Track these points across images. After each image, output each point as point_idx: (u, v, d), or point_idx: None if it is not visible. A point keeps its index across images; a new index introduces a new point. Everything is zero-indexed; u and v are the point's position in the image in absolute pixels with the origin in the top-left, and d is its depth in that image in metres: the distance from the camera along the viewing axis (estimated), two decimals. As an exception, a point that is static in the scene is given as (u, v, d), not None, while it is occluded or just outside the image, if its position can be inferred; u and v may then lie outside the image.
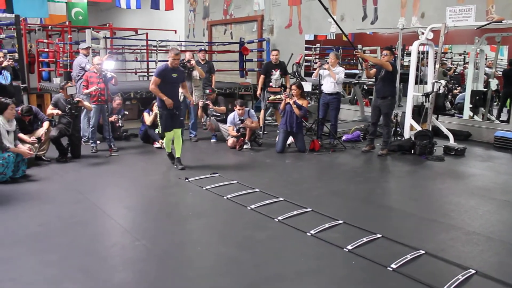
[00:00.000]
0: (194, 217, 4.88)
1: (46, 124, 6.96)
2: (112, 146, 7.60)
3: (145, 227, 4.56)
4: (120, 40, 15.70)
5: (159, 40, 13.11)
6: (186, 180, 6.01)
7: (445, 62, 12.97)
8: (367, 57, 7.64)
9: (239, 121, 7.99)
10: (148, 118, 8.25)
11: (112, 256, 3.93)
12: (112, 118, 8.28)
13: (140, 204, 5.32)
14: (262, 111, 9.61)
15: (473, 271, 3.52)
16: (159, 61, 12.91)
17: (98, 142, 7.87)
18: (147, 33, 15.44)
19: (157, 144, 8.09)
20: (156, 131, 8.21)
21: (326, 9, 7.77)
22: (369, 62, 7.85)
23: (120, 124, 8.59)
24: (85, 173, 6.50)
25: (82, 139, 7.83)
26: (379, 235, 4.19)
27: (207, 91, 8.73)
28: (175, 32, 16.48)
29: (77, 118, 7.27)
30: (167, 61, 6.50)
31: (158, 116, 6.64)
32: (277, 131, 8.62)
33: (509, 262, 3.81)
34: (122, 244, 4.17)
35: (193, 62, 8.47)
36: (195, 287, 3.39)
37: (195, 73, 8.54)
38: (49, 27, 14.62)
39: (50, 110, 7.13)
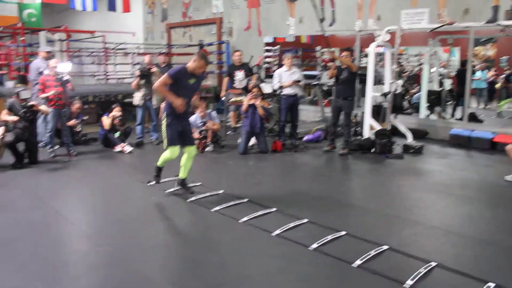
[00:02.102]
0: (157, 221, 4.82)
1: (0, 130, 6.71)
2: (71, 151, 7.41)
3: (107, 232, 4.46)
4: (76, 42, 15.33)
5: (117, 43, 12.88)
6: (148, 184, 5.92)
7: (401, 64, 13.34)
8: (339, 58, 7.70)
9: (201, 123, 7.95)
10: (106, 121, 8.07)
11: (73, 262, 3.85)
12: (71, 123, 8.08)
13: (102, 209, 5.20)
14: (231, 113, 9.66)
15: (434, 264, 3.62)
16: (117, 64, 12.70)
17: (56, 147, 7.65)
18: (104, 36, 15.12)
19: (117, 148, 7.93)
20: (116, 135, 8.08)
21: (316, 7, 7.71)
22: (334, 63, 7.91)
23: (79, 129, 8.39)
24: (43, 179, 6.31)
25: (40, 144, 7.59)
26: (343, 233, 4.25)
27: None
28: (133, 35, 16.19)
29: (34, 123, 7.05)
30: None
31: (165, 123, 5.27)
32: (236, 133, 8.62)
33: (466, 253, 3.97)
34: (83, 250, 4.08)
35: (154, 69, 8.33)
36: (161, 290, 3.36)
37: (154, 77, 8.39)
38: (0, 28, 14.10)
39: (5, 115, 6.88)
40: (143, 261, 3.80)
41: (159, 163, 5.55)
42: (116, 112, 8.16)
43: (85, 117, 8.74)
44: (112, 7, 13.64)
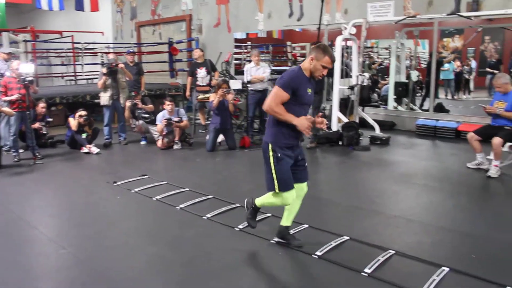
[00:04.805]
0: (121, 221, 4.79)
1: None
2: (36, 154, 7.27)
3: (71, 234, 4.41)
4: (44, 43, 15.09)
5: (85, 43, 12.72)
6: (114, 184, 5.87)
7: (371, 56, 13.46)
8: None
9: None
10: (73, 122, 7.95)
11: (35, 266, 3.78)
12: (36, 125, 7.92)
13: (66, 211, 5.13)
14: (200, 111, 9.66)
15: (393, 252, 3.69)
16: (85, 64, 12.55)
17: (21, 150, 7.51)
18: (72, 36, 14.92)
19: (84, 149, 7.83)
20: (83, 136, 7.97)
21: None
22: None
23: (44, 132, 8.23)
24: (6, 183, 6.18)
25: (3, 148, 7.44)
26: (305, 226, 4.29)
27: (132, 93, 8.61)
28: (103, 34, 16.05)
29: (-4, 126, 6.92)
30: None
31: (271, 159, 3.63)
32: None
33: (425, 240, 4.04)
34: (46, 253, 4.01)
35: (121, 65, 8.26)
36: (123, 290, 3.34)
37: (121, 75, 8.30)
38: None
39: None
40: (106, 262, 3.77)
41: (259, 202, 3.96)
42: (81, 111, 8.03)
43: (50, 120, 8.53)
44: (79, 6, 13.47)
